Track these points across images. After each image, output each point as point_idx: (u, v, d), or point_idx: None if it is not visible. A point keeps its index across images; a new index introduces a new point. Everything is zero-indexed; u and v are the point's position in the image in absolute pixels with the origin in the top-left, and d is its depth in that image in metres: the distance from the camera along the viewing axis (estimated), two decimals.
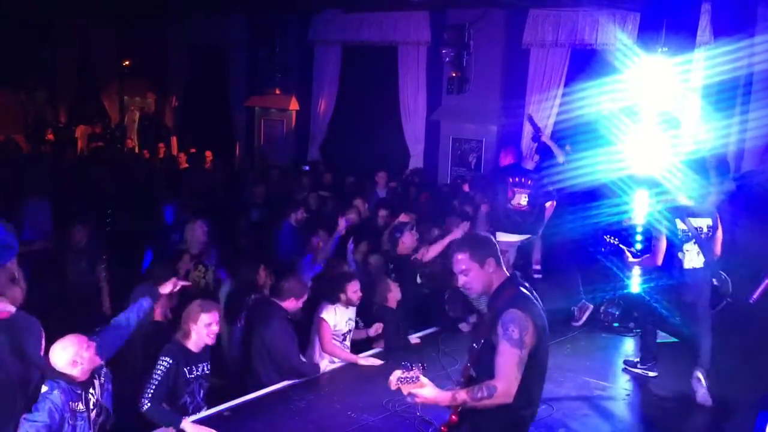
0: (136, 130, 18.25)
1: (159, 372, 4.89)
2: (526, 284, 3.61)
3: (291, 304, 5.98)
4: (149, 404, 4.78)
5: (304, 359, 6.13)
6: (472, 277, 3.53)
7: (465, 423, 3.50)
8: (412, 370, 3.30)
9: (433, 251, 7.52)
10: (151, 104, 18.80)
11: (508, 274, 3.56)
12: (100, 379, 4.37)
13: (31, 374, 2.71)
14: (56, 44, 18.02)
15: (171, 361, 4.92)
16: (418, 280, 7.61)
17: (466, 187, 11.26)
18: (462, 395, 3.34)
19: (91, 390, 4.26)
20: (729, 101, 8.78)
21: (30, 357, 2.65)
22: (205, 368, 5.22)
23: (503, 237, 8.10)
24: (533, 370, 3.39)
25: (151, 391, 4.82)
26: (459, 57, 12.22)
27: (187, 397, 5.08)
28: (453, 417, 3.52)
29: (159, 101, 18.54)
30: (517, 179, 8.14)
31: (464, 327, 7.21)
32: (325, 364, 6.23)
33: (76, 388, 4.11)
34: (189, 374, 5.08)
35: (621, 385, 6.32)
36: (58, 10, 16.02)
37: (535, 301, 3.49)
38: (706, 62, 8.73)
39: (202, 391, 5.21)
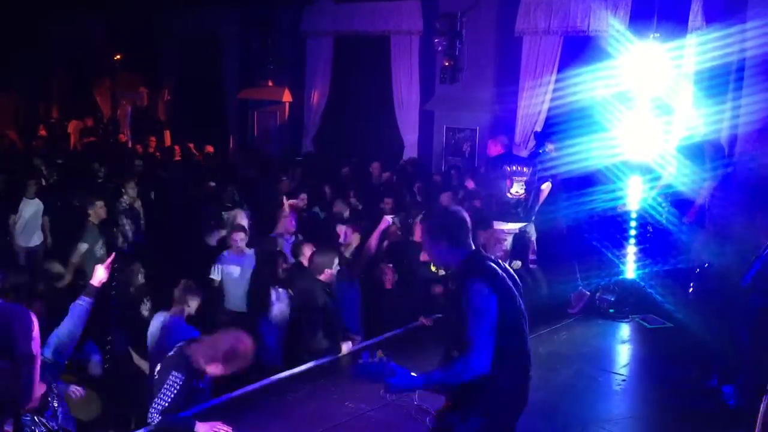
0: (129, 125, 18.21)
1: (173, 389, 4.68)
2: (492, 257, 3.60)
3: (327, 275, 6.18)
4: (160, 417, 4.64)
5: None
6: (426, 248, 3.63)
7: (457, 404, 3.50)
8: (374, 360, 3.26)
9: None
10: (143, 98, 18.73)
11: (472, 249, 3.55)
12: (53, 402, 4.16)
13: (21, 368, 2.66)
14: (47, 39, 17.94)
15: (183, 377, 4.73)
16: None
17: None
18: (437, 374, 3.33)
19: (46, 413, 4.07)
20: (721, 87, 8.79)
21: (18, 350, 2.61)
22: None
23: (501, 226, 8.09)
24: (508, 339, 3.35)
25: (164, 406, 4.65)
26: (452, 46, 12.20)
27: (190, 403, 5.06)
28: (447, 402, 3.53)
29: (151, 95, 18.47)
30: (514, 168, 8.10)
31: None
32: (347, 347, 6.30)
33: (24, 415, 3.86)
34: (198, 384, 4.93)
35: (617, 371, 6.35)
36: (49, 5, 15.95)
37: (501, 272, 3.47)
38: (698, 48, 8.73)
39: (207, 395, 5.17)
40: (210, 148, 14.46)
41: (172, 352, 4.92)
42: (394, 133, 13.49)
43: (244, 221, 8.14)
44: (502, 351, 3.32)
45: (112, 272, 5.02)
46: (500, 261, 3.63)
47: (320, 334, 6.11)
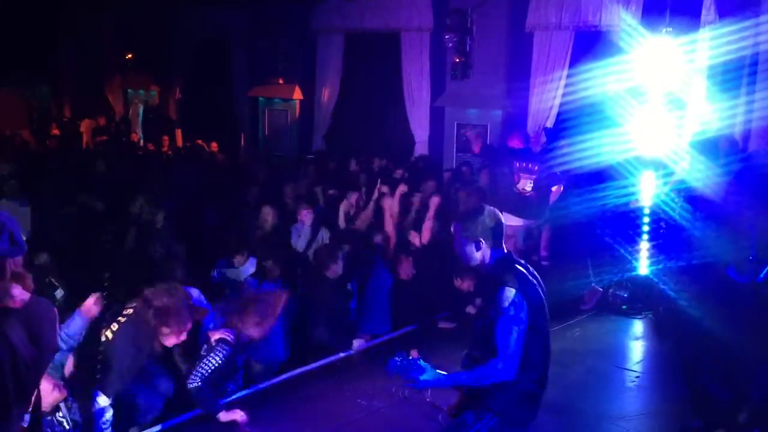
0: (141, 123, 18.29)
1: (219, 356, 4.82)
2: (522, 261, 3.60)
3: (333, 272, 6.30)
4: (200, 384, 4.70)
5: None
6: (462, 250, 3.57)
7: (473, 402, 3.51)
8: (407, 357, 3.36)
9: (426, 232, 7.52)
10: (155, 97, 18.80)
11: (504, 252, 3.55)
12: (66, 402, 4.26)
13: (44, 358, 2.74)
14: (58, 39, 18.02)
15: (231, 349, 4.90)
16: None
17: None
18: (463, 376, 3.41)
19: (58, 414, 4.18)
20: (735, 81, 8.72)
21: (46, 342, 2.69)
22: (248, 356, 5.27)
23: (507, 219, 8.05)
24: (535, 345, 3.39)
25: (207, 373, 4.73)
26: (462, 42, 12.16)
27: (231, 384, 5.14)
28: (461, 398, 3.54)
29: (163, 94, 18.53)
30: (524, 164, 8.09)
31: (470, 309, 7.21)
32: (358, 344, 6.36)
33: (44, 416, 4.00)
34: (239, 363, 5.12)
35: (631, 367, 6.32)
36: (60, 4, 16.01)
37: (530, 278, 3.49)
38: (711, 42, 8.66)
39: (241, 380, 5.24)
40: (215, 146, 14.46)
41: None
42: (405, 130, 13.47)
43: (269, 217, 8.14)
44: (527, 357, 3.36)
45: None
46: (526, 264, 3.62)
47: (321, 330, 6.15)
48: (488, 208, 3.64)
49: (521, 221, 8.21)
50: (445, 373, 3.41)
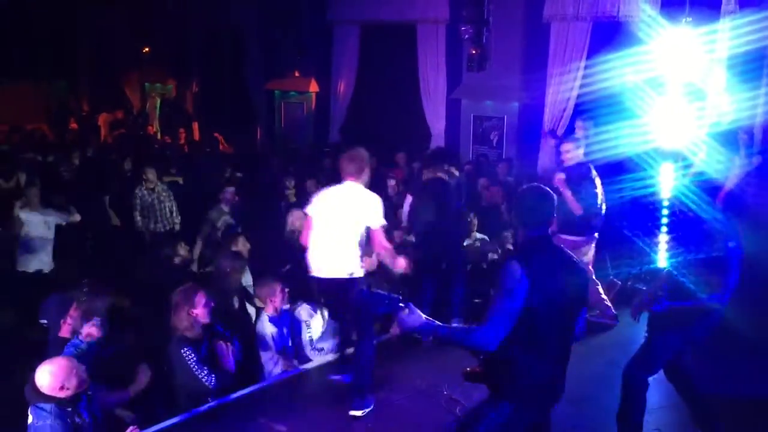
0: (158, 117, 18.37)
1: None
2: (560, 247, 3.60)
3: None
4: None
5: None
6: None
7: (487, 380, 3.50)
8: (392, 298, 3.40)
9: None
10: (172, 90, 18.88)
11: (539, 233, 3.49)
12: (87, 392, 4.24)
13: None
14: (75, 33, 18.12)
15: None
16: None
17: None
18: (446, 329, 3.43)
19: (80, 404, 4.16)
20: (755, 72, 8.62)
21: None
22: None
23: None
24: (538, 328, 3.32)
25: None
26: (478, 34, 12.08)
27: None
28: (477, 367, 3.54)
29: (180, 87, 18.60)
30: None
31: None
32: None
33: (66, 406, 4.01)
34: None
35: None
36: None
37: (551, 264, 3.42)
38: (732, 33, 8.57)
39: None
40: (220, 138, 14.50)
41: None
42: (421, 122, 13.43)
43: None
44: (531, 337, 3.32)
45: None
46: (564, 251, 3.60)
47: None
48: (532, 189, 3.60)
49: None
50: (436, 322, 3.40)
